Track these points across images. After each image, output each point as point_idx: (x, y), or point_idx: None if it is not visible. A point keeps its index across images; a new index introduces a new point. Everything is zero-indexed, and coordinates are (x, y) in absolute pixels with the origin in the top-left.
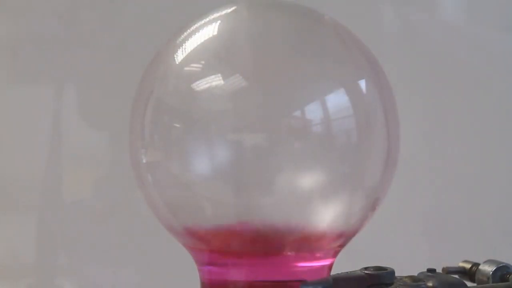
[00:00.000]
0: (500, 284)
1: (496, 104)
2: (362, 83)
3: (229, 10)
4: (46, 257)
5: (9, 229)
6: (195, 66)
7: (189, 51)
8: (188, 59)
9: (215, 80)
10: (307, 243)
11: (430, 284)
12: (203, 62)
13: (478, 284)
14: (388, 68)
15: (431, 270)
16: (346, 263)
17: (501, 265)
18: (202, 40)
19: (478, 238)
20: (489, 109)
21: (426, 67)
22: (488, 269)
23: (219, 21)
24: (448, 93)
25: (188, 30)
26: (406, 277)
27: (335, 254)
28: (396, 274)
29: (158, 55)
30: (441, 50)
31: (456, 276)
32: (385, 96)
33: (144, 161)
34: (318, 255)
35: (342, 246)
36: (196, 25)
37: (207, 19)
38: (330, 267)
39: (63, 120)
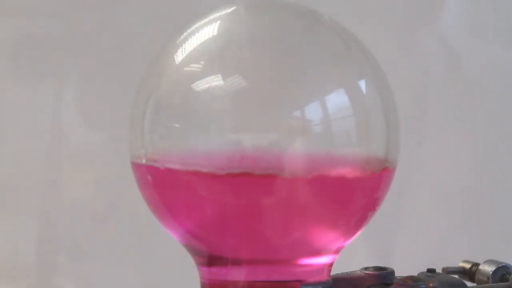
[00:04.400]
0: (500, 284)
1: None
2: (362, 83)
3: (229, 10)
4: (46, 257)
5: (9, 229)
6: (195, 66)
7: (189, 51)
8: (188, 59)
9: (215, 80)
10: (307, 243)
11: (430, 284)
12: (203, 62)
13: (478, 284)
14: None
15: (431, 270)
16: (346, 263)
17: (501, 265)
18: (202, 40)
19: (478, 238)
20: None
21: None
22: (488, 269)
23: (219, 21)
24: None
25: (188, 30)
26: (406, 277)
27: (335, 254)
28: (396, 274)
29: (158, 55)
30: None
31: (456, 276)
32: (385, 96)
33: (144, 161)
34: (318, 255)
35: (342, 246)
36: (196, 25)
37: (207, 19)
38: (330, 267)
39: (63, 120)
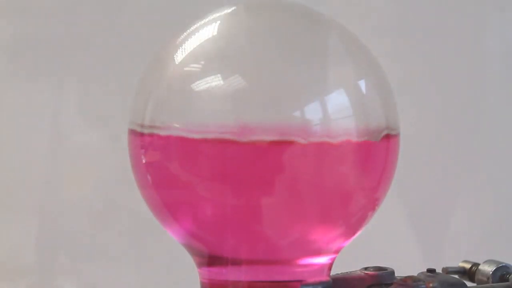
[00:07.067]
0: (500, 284)
1: None
2: (362, 83)
3: (229, 11)
4: (46, 257)
5: (9, 229)
6: (195, 66)
7: (189, 51)
8: (188, 59)
9: (215, 80)
10: (307, 243)
11: (430, 284)
12: (202, 62)
13: (478, 284)
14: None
15: (431, 270)
16: (346, 263)
17: (501, 265)
18: (202, 41)
19: (478, 238)
20: None
21: None
22: (488, 269)
23: (218, 22)
24: None
25: (188, 31)
26: (406, 277)
27: (335, 254)
28: (396, 274)
29: (158, 55)
30: None
31: (456, 276)
32: (385, 96)
33: (144, 161)
34: (318, 255)
35: (342, 246)
36: (196, 26)
37: (207, 19)
38: (330, 267)
39: (63, 120)
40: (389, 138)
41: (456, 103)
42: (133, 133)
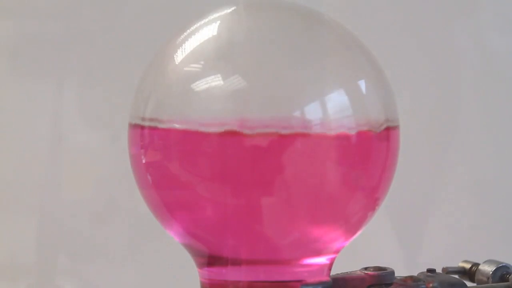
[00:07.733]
0: (500, 284)
1: None
2: (362, 83)
3: (228, 11)
4: (46, 257)
5: (9, 229)
6: (195, 66)
7: (189, 51)
8: (187, 59)
9: (215, 80)
10: (307, 243)
11: (430, 284)
12: (202, 62)
13: (478, 284)
14: None
15: (431, 270)
16: (346, 263)
17: (501, 265)
18: (202, 41)
19: (478, 238)
20: None
21: None
22: (488, 269)
23: (218, 21)
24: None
25: (188, 30)
26: (406, 277)
27: (335, 254)
28: (396, 274)
29: (158, 55)
30: None
31: (456, 276)
32: (385, 96)
33: (144, 161)
34: (318, 255)
35: (341, 246)
36: (195, 26)
37: (207, 19)
38: (330, 267)
39: (63, 120)
40: (389, 130)
41: (446, 102)
42: (133, 127)
